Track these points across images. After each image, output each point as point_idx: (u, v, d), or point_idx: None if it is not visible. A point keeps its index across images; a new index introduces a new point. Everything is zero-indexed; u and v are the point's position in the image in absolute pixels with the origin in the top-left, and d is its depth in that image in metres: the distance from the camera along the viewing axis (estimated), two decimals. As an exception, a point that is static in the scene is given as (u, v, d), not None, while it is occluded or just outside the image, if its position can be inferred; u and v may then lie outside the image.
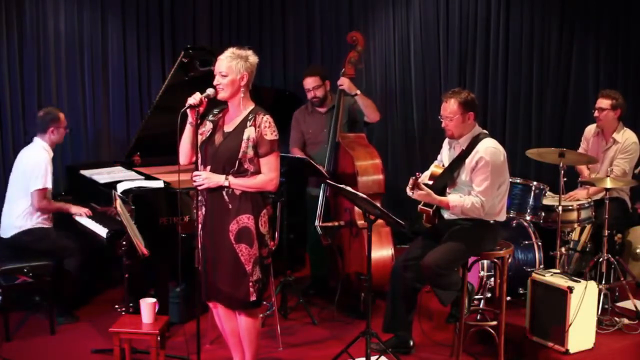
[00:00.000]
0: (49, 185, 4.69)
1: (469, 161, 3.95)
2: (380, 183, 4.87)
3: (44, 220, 4.76)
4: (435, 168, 4.19)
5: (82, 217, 4.80)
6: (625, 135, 4.99)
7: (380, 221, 4.45)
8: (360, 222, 4.73)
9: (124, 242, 3.97)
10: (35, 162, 4.67)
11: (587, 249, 5.10)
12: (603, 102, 4.96)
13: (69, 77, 5.74)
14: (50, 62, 5.65)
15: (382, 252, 4.74)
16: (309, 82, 5.10)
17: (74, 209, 4.83)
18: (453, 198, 3.96)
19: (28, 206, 4.70)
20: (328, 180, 4.37)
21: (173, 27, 6.20)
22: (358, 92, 5.06)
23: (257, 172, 3.50)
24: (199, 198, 3.56)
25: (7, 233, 4.76)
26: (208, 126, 3.57)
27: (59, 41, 5.67)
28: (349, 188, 3.90)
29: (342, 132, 5.02)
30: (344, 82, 5.01)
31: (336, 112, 4.99)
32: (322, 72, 5.19)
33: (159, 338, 3.72)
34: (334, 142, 4.97)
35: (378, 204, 3.90)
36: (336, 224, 4.95)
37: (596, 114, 5.00)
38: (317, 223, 4.95)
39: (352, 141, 5.00)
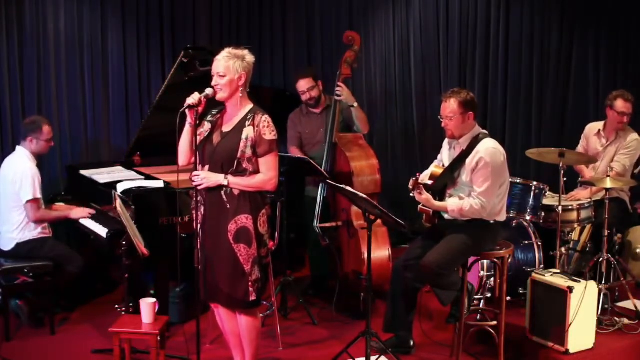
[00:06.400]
0: (39, 195, 4.59)
1: (469, 162, 3.95)
2: (377, 183, 4.87)
3: (43, 230, 4.70)
4: (436, 168, 4.19)
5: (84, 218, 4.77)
6: (628, 133, 5.00)
7: (377, 221, 4.45)
8: (357, 223, 4.73)
9: (124, 242, 3.97)
10: (21, 172, 4.56)
11: (587, 249, 5.09)
12: (628, 107, 4.90)
13: (69, 77, 5.73)
14: (50, 62, 5.63)
15: (379, 252, 4.72)
16: (303, 84, 5.10)
17: (74, 214, 4.77)
18: (451, 202, 3.96)
19: (24, 217, 4.61)
20: (328, 181, 4.37)
21: (173, 27, 6.19)
22: (355, 104, 5.05)
23: (256, 171, 3.50)
24: (198, 198, 3.56)
25: (7, 245, 4.66)
26: (206, 126, 3.56)
27: (59, 41, 5.66)
28: (349, 188, 3.90)
29: (339, 133, 5.02)
30: (343, 93, 4.96)
31: (333, 114, 4.98)
32: (314, 72, 5.22)
33: (159, 338, 3.72)
34: (331, 143, 4.98)
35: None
36: (334, 224, 4.96)
37: (621, 118, 4.91)
38: (315, 224, 4.96)
39: (349, 141, 5.00)
